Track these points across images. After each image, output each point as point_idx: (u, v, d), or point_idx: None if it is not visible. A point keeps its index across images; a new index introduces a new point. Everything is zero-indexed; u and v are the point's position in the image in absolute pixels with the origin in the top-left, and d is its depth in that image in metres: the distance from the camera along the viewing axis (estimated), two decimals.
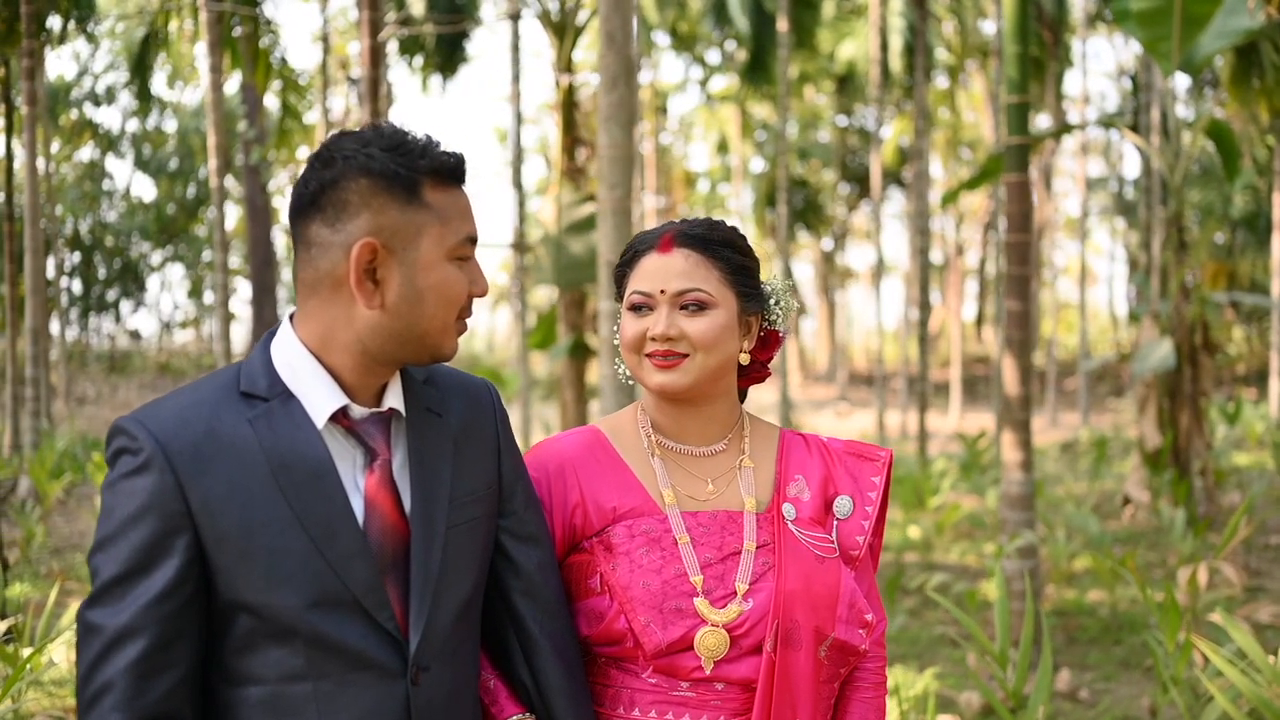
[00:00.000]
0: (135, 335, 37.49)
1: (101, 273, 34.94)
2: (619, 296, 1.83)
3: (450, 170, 1.51)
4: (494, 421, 1.69)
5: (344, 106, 25.25)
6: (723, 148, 26.89)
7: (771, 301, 1.87)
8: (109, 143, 32.94)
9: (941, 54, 22.91)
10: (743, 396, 1.95)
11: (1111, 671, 5.98)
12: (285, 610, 1.43)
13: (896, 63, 18.69)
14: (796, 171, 28.29)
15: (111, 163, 39.02)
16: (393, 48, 19.99)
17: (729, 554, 1.76)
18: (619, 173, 4.96)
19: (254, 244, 32.09)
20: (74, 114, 31.62)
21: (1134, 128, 13.66)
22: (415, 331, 1.50)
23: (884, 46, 18.49)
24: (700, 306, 1.75)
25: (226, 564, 1.43)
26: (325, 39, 18.16)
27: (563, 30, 9.95)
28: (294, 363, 1.50)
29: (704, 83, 24.89)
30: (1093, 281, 41.95)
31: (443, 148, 1.52)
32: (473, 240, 1.54)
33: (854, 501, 1.84)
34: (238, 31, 15.64)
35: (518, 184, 13.73)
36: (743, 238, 1.86)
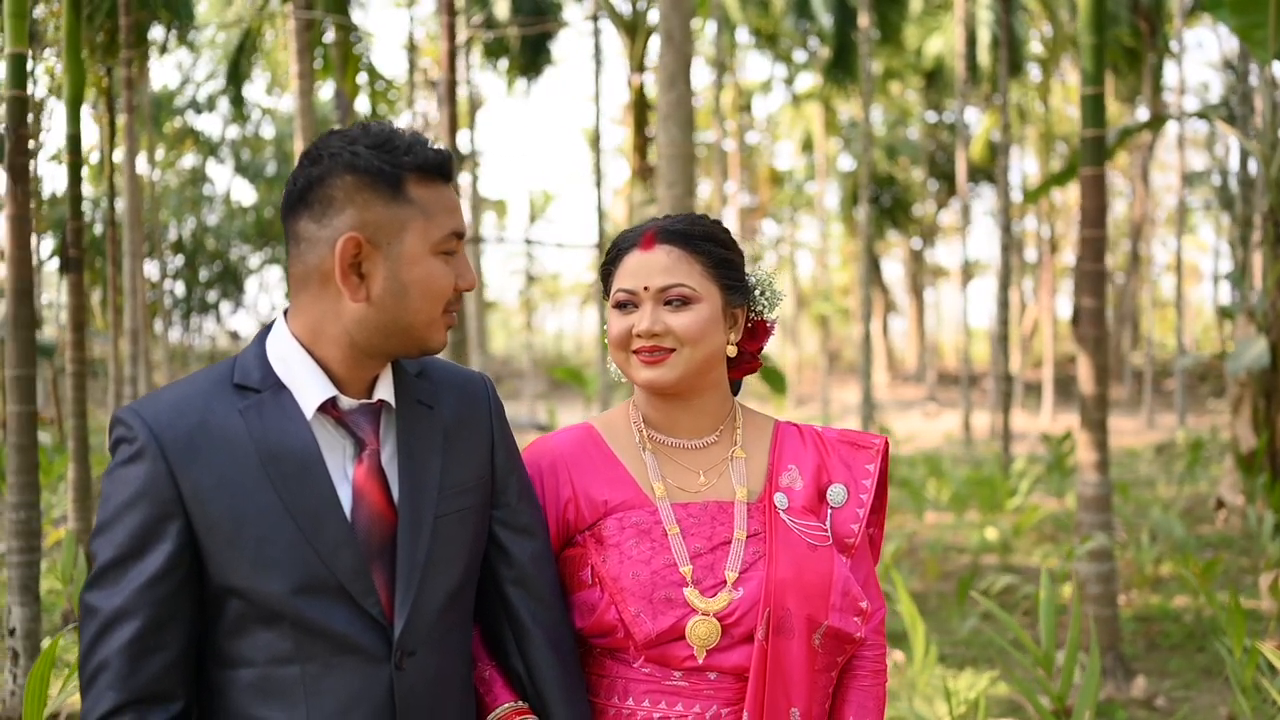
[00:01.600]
0: (234, 335, 38.64)
1: (203, 275, 36.10)
2: (606, 294, 1.85)
3: (435, 167, 1.54)
4: (488, 415, 1.71)
5: (434, 111, 25.62)
6: (808, 146, 26.68)
7: (756, 292, 1.88)
8: (210, 149, 33.99)
9: (1037, 47, 22.42)
10: (736, 388, 1.97)
11: (1192, 679, 5.80)
12: (272, 595, 1.47)
13: (984, 56, 18.35)
14: (885, 169, 27.95)
15: (212, 168, 40.27)
16: (480, 51, 20.25)
17: (719, 544, 1.77)
18: (677, 171, 4.96)
19: None
20: (177, 122, 32.68)
21: (1231, 118, 13.20)
22: (401, 324, 1.53)
23: (972, 40, 18.18)
24: (684, 301, 1.77)
25: (216, 550, 1.47)
26: (411, 45, 18.48)
27: (634, 30, 9.98)
28: (286, 355, 1.54)
29: (789, 81, 24.72)
30: (1197, 278, 40.64)
31: (430, 145, 1.55)
32: (458, 235, 1.56)
33: (848, 490, 1.85)
34: (329, 37, 16.03)
35: (598, 184, 13.82)
36: (725, 231, 1.87)
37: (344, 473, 1.54)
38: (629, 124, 10.55)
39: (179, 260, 35.29)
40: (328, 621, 1.48)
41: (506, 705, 1.69)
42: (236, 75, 18.07)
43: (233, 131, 34.34)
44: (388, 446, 1.58)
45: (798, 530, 1.78)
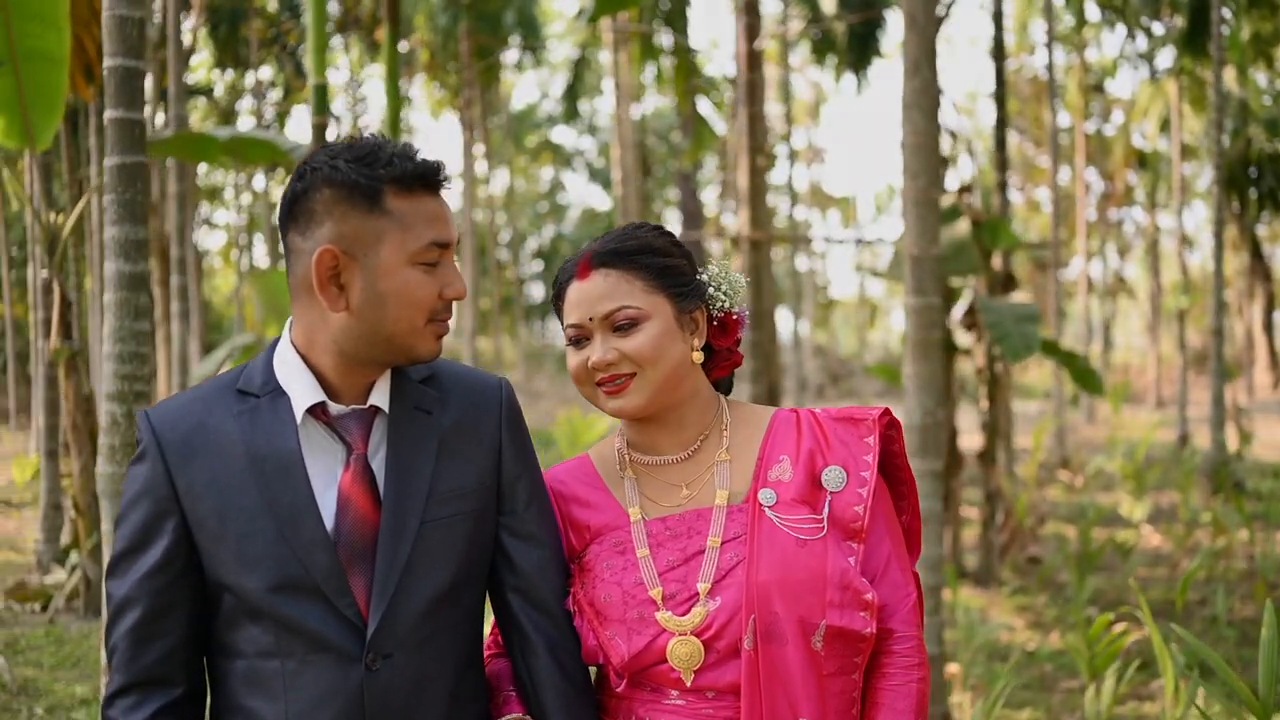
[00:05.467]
0: None
1: None
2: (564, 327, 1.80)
3: (415, 178, 1.55)
4: (497, 420, 1.70)
5: (772, 111, 25.69)
6: (1166, 126, 24.38)
7: (712, 289, 1.79)
8: (565, 159, 36.08)
9: None
10: (728, 387, 1.86)
11: None
12: (252, 592, 1.54)
13: None
14: (1266, 147, 25.03)
15: (568, 177, 42.85)
16: (809, 48, 20.15)
17: (692, 554, 1.68)
18: (921, 161, 4.70)
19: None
20: (538, 136, 34.93)
21: None
22: (382, 333, 1.56)
23: None
24: (632, 323, 1.70)
25: (207, 545, 1.56)
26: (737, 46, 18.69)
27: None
28: (287, 362, 1.61)
29: (1148, 56, 22.70)
30: None
31: (414, 157, 1.56)
32: (440, 245, 1.56)
33: (847, 471, 1.70)
34: (666, 41, 16.58)
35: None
36: (664, 236, 1.77)
37: (333, 476, 1.58)
38: None
39: (538, 265, 37.75)
40: (303, 619, 1.54)
41: (509, 717, 1.67)
42: (574, 89, 19.05)
43: (586, 142, 36.30)
44: (380, 452, 1.61)
45: (784, 526, 1.66)
